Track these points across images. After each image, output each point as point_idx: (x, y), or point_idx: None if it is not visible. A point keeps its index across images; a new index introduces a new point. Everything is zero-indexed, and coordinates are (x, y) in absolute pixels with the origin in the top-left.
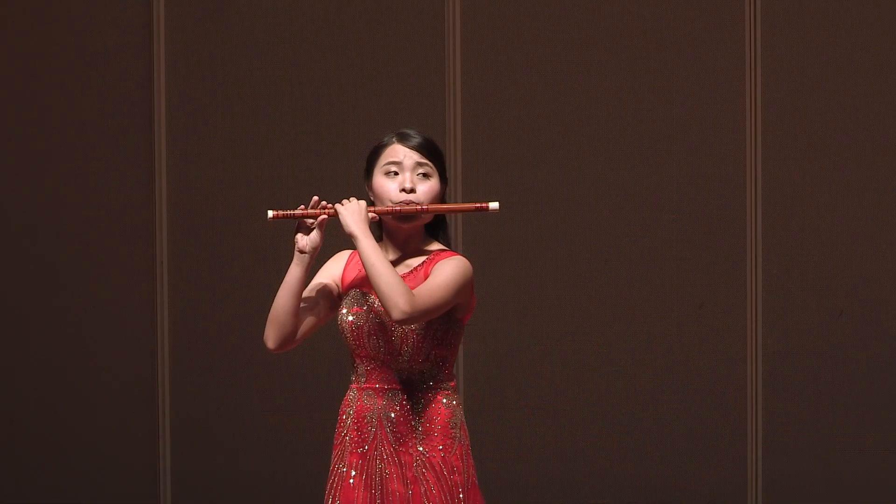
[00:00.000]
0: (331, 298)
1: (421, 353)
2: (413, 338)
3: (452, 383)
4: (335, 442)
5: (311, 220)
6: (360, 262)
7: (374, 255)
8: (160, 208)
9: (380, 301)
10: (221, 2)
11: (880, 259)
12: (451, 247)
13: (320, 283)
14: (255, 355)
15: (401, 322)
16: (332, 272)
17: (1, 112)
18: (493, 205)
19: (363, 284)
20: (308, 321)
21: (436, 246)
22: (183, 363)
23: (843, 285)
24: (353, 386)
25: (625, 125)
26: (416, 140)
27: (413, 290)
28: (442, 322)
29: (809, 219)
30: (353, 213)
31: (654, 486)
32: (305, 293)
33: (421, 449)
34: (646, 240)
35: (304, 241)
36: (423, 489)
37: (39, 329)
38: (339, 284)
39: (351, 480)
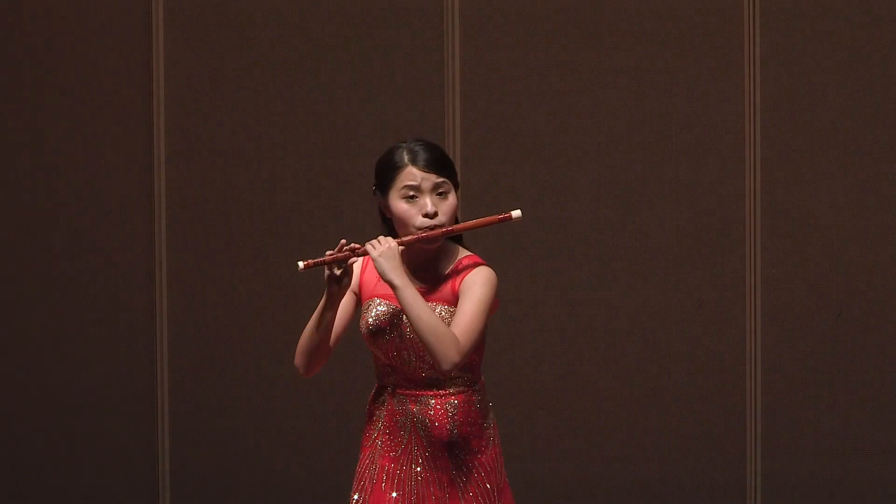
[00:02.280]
0: (349, 311)
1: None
2: None
3: (481, 382)
4: (364, 443)
5: (342, 265)
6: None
7: (417, 308)
8: (160, 208)
9: (427, 353)
10: (221, 1)
11: (880, 259)
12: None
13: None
14: (256, 355)
15: (452, 370)
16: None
17: (0, 112)
18: (516, 213)
19: (384, 293)
20: (333, 344)
21: (459, 252)
22: (183, 363)
23: (843, 285)
24: (378, 385)
25: (625, 125)
26: (428, 157)
27: (454, 333)
28: None
29: (809, 219)
30: (388, 260)
31: (653, 486)
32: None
33: (457, 451)
34: (645, 239)
35: (334, 282)
36: (460, 492)
37: (38, 329)
38: (359, 294)
39: (383, 485)
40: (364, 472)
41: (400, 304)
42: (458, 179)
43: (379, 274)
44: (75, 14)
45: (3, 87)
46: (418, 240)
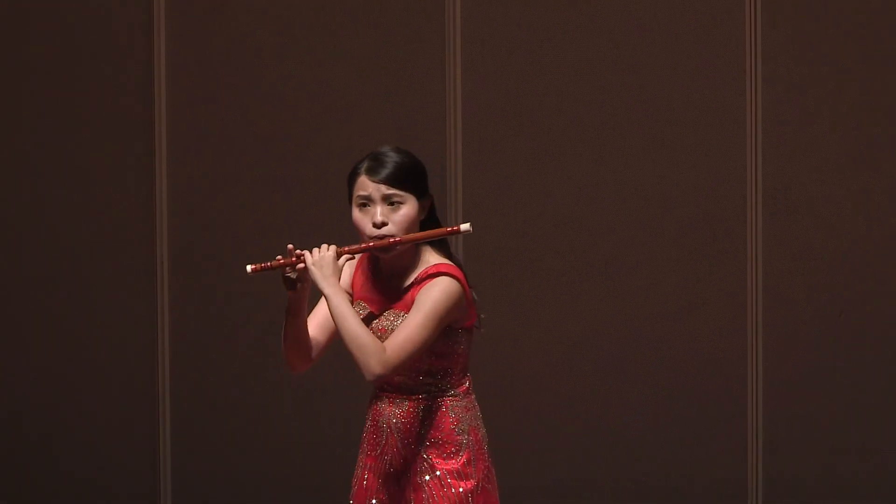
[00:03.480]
0: None
1: (420, 371)
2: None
3: (462, 388)
4: (360, 444)
5: (290, 271)
6: (368, 268)
7: (343, 315)
8: (160, 208)
9: (353, 361)
10: (222, 2)
11: (881, 259)
12: (449, 252)
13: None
14: (256, 355)
15: (374, 382)
16: (342, 283)
17: (0, 112)
18: (465, 226)
19: (367, 296)
20: (322, 341)
21: (429, 257)
22: (183, 363)
23: (844, 285)
24: (375, 390)
25: (625, 125)
26: (384, 172)
27: (383, 345)
28: (439, 338)
29: (809, 219)
30: (320, 268)
31: (654, 486)
32: (316, 311)
33: (426, 455)
34: (646, 239)
35: (290, 290)
36: (425, 496)
37: (39, 329)
38: (351, 293)
39: (364, 483)
40: (355, 470)
41: (329, 311)
42: (428, 189)
43: (311, 278)
44: (75, 14)
45: (3, 87)
46: (365, 249)
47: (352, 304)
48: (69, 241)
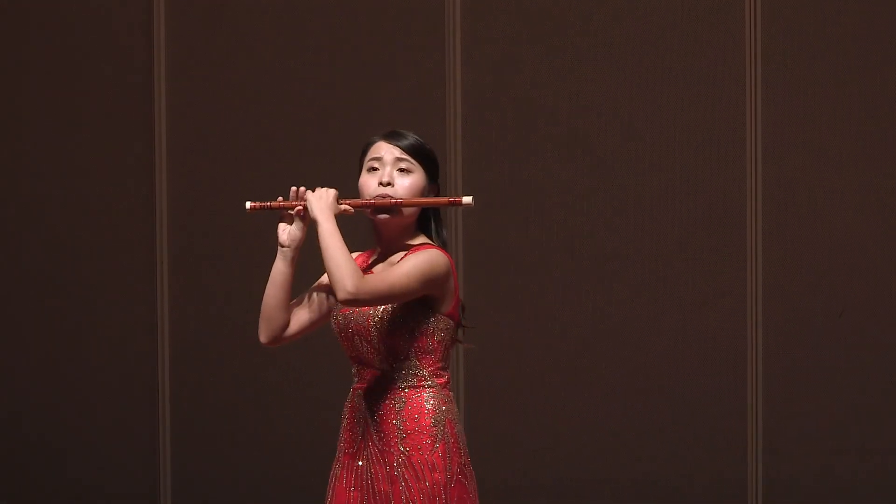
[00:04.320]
0: (331, 298)
1: (399, 349)
2: (386, 331)
3: (440, 380)
4: (338, 441)
5: (290, 212)
6: (363, 261)
7: (330, 238)
8: (160, 208)
9: (329, 281)
10: (222, 2)
11: (881, 259)
12: (443, 244)
13: (322, 283)
14: (256, 355)
15: (346, 303)
16: None
17: (0, 112)
18: (467, 199)
19: None
20: (305, 318)
21: (420, 240)
22: (183, 363)
23: (845, 285)
24: (351, 388)
25: (625, 125)
26: (401, 138)
27: (366, 276)
28: (412, 313)
29: (810, 219)
30: (318, 199)
31: (653, 486)
32: (307, 291)
33: (402, 448)
34: (646, 239)
35: (285, 234)
36: (402, 487)
37: (39, 329)
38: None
39: (343, 481)
40: (332, 468)
41: (319, 239)
42: (437, 177)
43: (308, 211)
44: (75, 14)
45: (3, 87)
46: (366, 205)
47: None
48: (69, 241)
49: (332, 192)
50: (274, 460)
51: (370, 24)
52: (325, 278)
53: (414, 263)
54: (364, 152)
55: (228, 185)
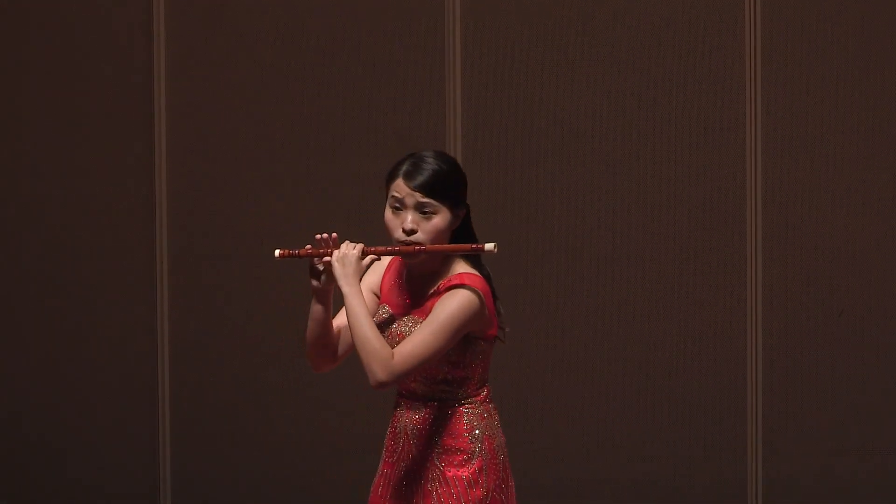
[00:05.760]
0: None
1: (436, 381)
2: (422, 373)
3: (479, 396)
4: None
5: (317, 259)
6: (398, 269)
7: (357, 317)
8: (160, 208)
9: (361, 365)
10: (222, 2)
11: (881, 259)
12: (479, 262)
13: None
14: (256, 355)
15: (378, 389)
16: (371, 284)
17: (1, 112)
18: (489, 246)
19: (392, 302)
20: (348, 337)
21: (457, 266)
22: (183, 363)
23: (845, 285)
24: (397, 391)
25: (625, 124)
26: (421, 178)
27: (393, 352)
28: (455, 348)
29: (810, 219)
30: (343, 266)
31: (653, 487)
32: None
33: (437, 463)
34: (646, 240)
35: (316, 281)
36: (433, 503)
37: (39, 329)
38: (378, 294)
39: (380, 489)
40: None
41: (345, 311)
42: (464, 199)
43: (335, 278)
44: (75, 14)
45: (3, 87)
46: (390, 252)
47: (377, 305)
48: (69, 241)
49: (355, 252)
50: (274, 460)
51: (370, 24)
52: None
53: (447, 319)
54: (389, 180)
55: (228, 185)
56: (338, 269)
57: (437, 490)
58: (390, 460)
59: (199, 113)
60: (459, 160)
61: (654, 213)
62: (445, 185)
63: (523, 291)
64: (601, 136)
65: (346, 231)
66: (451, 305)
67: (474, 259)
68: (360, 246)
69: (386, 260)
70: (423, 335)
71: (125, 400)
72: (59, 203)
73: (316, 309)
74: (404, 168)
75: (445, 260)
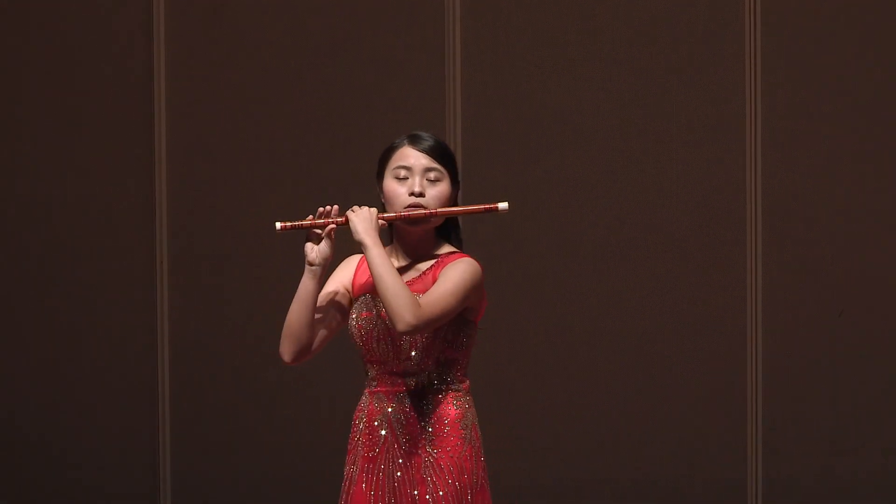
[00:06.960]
0: (342, 306)
1: (430, 357)
2: (422, 341)
3: (465, 385)
4: (349, 447)
5: (319, 231)
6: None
7: (383, 266)
8: (160, 208)
9: (386, 312)
10: (222, 2)
11: (881, 259)
12: (462, 249)
13: (331, 292)
14: (256, 355)
15: (406, 333)
16: (342, 279)
17: (1, 112)
18: (503, 205)
19: (373, 289)
20: (324, 333)
21: (446, 248)
22: (183, 363)
23: (844, 285)
24: (366, 390)
25: (625, 123)
26: (427, 143)
27: (419, 300)
28: (451, 325)
29: (809, 218)
30: (363, 221)
31: (653, 487)
32: (323, 303)
33: (430, 450)
34: (646, 239)
35: (314, 252)
36: (429, 490)
37: (39, 329)
38: (350, 290)
39: (363, 485)
40: (347, 474)
41: (368, 264)
42: (459, 177)
43: (353, 234)
44: (76, 14)
45: (3, 87)
46: (400, 217)
47: (353, 300)
48: (69, 241)
49: (373, 211)
50: (274, 460)
51: (370, 23)
52: (333, 287)
53: (460, 279)
54: (387, 155)
55: (228, 185)
56: (358, 224)
57: (431, 477)
58: (370, 454)
59: (199, 113)
60: (459, 158)
61: (654, 212)
62: (448, 154)
63: (522, 290)
64: (601, 135)
65: (346, 231)
66: (459, 269)
67: (459, 247)
68: (374, 209)
69: (357, 257)
70: (439, 291)
71: (125, 400)
72: (59, 203)
73: (306, 289)
74: (407, 138)
75: (436, 243)
